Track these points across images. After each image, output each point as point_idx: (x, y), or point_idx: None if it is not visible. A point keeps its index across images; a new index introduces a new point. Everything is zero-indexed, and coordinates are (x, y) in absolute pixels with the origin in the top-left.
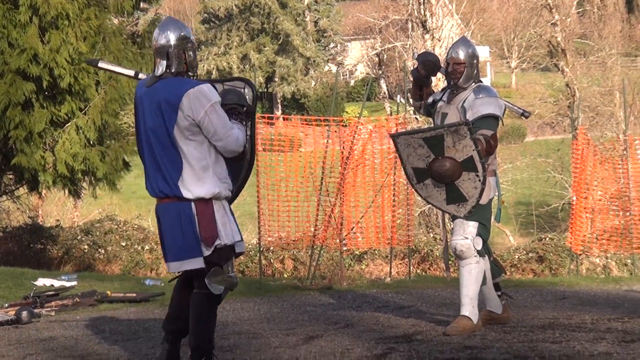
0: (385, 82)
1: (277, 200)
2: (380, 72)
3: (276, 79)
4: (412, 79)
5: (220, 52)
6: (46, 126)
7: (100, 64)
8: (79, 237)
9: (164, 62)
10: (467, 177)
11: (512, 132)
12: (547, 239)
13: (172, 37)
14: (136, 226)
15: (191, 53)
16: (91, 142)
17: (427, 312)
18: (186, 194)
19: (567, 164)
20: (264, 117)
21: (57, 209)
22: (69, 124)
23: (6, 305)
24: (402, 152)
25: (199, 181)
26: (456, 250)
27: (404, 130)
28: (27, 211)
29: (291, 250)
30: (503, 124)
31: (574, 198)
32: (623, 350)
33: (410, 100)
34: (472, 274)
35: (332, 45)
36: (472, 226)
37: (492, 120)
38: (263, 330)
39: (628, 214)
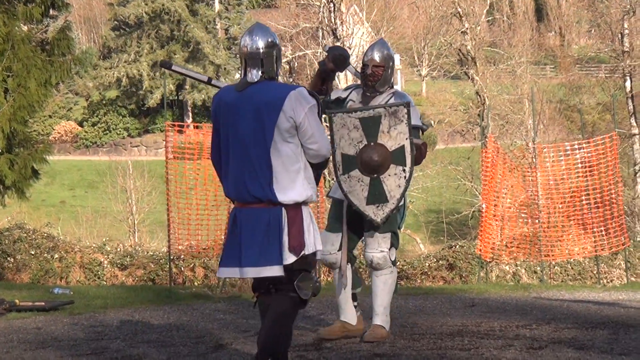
0: None
1: (187, 209)
2: (291, 79)
3: (187, 87)
4: (317, 70)
5: (130, 60)
6: None
7: (174, 68)
8: None
9: (258, 68)
10: (394, 172)
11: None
12: (458, 246)
13: (262, 44)
14: (45, 234)
15: (279, 58)
16: None
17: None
18: (281, 197)
19: (477, 171)
20: (174, 125)
21: None
22: None
23: None
24: (336, 134)
25: (293, 184)
26: (372, 263)
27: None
28: None
29: (202, 259)
30: (422, 134)
31: (484, 206)
32: (531, 357)
33: None
34: (387, 284)
35: None
36: (387, 238)
37: (415, 131)
38: (172, 338)
39: (537, 221)
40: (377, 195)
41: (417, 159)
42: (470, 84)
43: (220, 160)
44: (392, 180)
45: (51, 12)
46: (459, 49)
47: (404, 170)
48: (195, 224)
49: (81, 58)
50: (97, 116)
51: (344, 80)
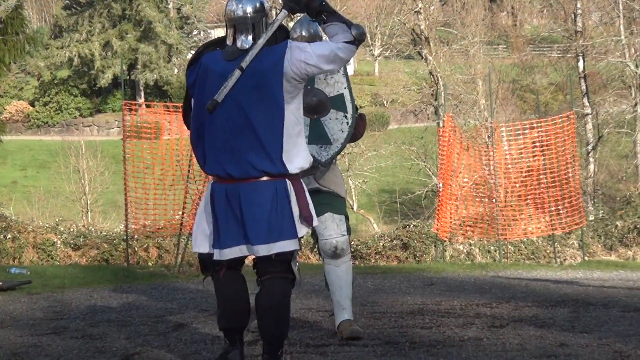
0: None
1: (142, 188)
2: None
3: (139, 66)
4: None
5: (82, 39)
6: None
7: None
8: None
9: (247, 34)
10: (335, 116)
11: (376, 120)
12: (412, 226)
13: (250, 8)
14: None
15: (268, 23)
16: None
17: (297, 298)
18: (290, 167)
19: (430, 151)
20: (127, 105)
21: None
22: None
23: None
24: None
25: (297, 149)
26: (336, 249)
27: None
28: None
29: (156, 239)
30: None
31: (441, 185)
32: (493, 335)
33: None
34: (349, 273)
35: (195, 32)
36: (343, 221)
37: None
38: (132, 318)
39: (493, 200)
40: (319, 135)
41: (361, 128)
42: (424, 64)
43: (203, 133)
44: (334, 124)
45: None
46: (412, 29)
47: (345, 117)
48: (150, 204)
49: (34, 37)
50: (48, 96)
51: None
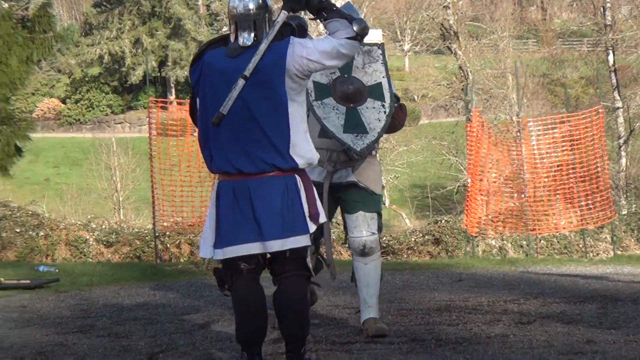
0: None
1: (171, 185)
2: None
3: (169, 63)
4: None
5: (112, 36)
6: None
7: None
8: None
9: (250, 31)
10: (372, 105)
11: (407, 115)
12: (443, 221)
13: (253, 5)
14: (30, 212)
15: (271, 20)
16: None
17: (325, 295)
18: (299, 161)
19: (461, 146)
20: (157, 102)
21: None
22: None
23: None
24: None
25: (305, 144)
26: (365, 248)
27: None
28: None
29: (187, 235)
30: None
31: (469, 180)
32: (519, 332)
33: None
34: (378, 271)
35: (225, 28)
36: (375, 219)
37: (394, 99)
38: (158, 315)
39: (523, 195)
40: (355, 124)
41: (401, 118)
42: (453, 58)
43: (209, 132)
44: (371, 113)
45: None
46: (441, 24)
47: (383, 106)
48: (180, 200)
49: (63, 35)
50: (79, 93)
51: None
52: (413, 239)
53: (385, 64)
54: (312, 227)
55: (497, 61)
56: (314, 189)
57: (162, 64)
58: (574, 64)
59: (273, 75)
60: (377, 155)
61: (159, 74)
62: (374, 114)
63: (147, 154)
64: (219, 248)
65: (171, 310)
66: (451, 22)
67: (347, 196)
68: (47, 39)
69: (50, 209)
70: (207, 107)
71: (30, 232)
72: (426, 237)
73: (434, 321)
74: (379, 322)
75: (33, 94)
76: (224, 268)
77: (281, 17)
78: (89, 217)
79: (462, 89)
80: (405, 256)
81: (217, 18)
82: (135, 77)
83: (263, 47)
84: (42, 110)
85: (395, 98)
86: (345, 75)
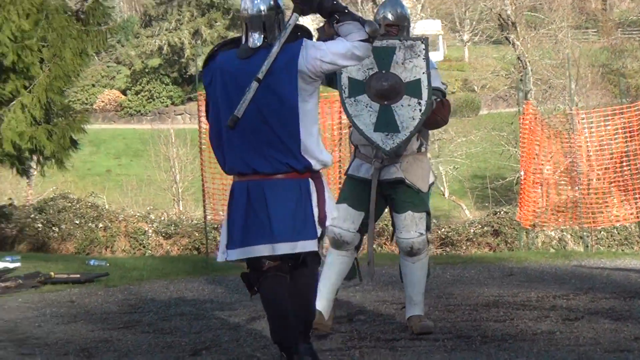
0: None
1: (222, 177)
2: None
3: None
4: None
5: (171, 28)
6: None
7: None
8: (33, 216)
9: (260, 32)
10: (408, 103)
11: (466, 105)
12: (502, 212)
13: (264, 6)
14: (90, 204)
15: (282, 22)
16: (37, 121)
17: (373, 290)
18: (312, 162)
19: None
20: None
21: (11, 187)
22: (14, 102)
23: None
24: None
25: (317, 147)
26: (413, 249)
27: None
28: None
29: None
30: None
31: (522, 172)
32: (566, 329)
33: None
34: (424, 269)
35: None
36: (423, 219)
37: (439, 93)
38: (205, 311)
39: (577, 188)
40: (386, 123)
41: (443, 114)
42: (512, 49)
43: (221, 134)
44: (406, 111)
45: None
46: (499, 14)
47: (419, 103)
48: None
49: (122, 26)
50: (140, 84)
51: None
52: (472, 231)
53: (427, 59)
54: (319, 231)
55: (556, 51)
56: (327, 192)
57: None
58: (633, 54)
59: (285, 76)
60: (428, 152)
61: None
62: (408, 112)
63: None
64: (231, 249)
65: (218, 305)
66: (509, 12)
67: (395, 195)
68: (101, 32)
69: (110, 201)
70: (219, 109)
71: (90, 224)
72: (485, 228)
73: (481, 317)
74: (424, 319)
75: (93, 85)
76: (250, 271)
77: (293, 19)
78: (148, 208)
79: (521, 79)
80: (464, 248)
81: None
82: (194, 68)
83: (275, 49)
84: (102, 101)
85: (440, 93)
86: (383, 71)
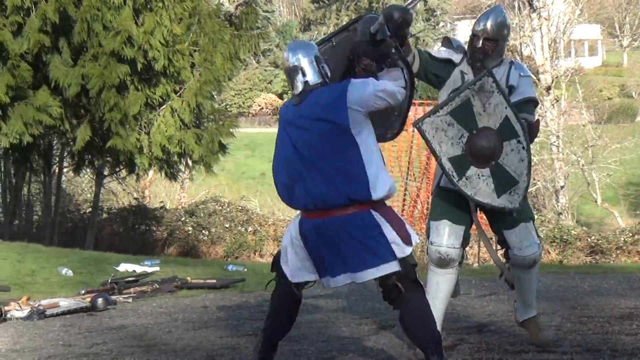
0: None
1: None
2: None
3: None
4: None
5: (329, 32)
6: (141, 109)
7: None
8: (183, 219)
9: (302, 77)
10: (510, 148)
11: (622, 112)
12: None
13: (303, 58)
14: (240, 208)
15: (324, 66)
16: (186, 125)
17: (506, 300)
18: (379, 194)
19: None
20: None
21: (165, 189)
22: (164, 106)
23: (82, 291)
24: (433, 142)
25: (380, 175)
26: (535, 262)
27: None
28: (134, 192)
29: None
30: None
31: None
32: None
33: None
34: (537, 274)
35: (441, 24)
36: (533, 226)
37: (532, 104)
38: (336, 319)
39: None
40: (504, 182)
41: (531, 134)
42: None
43: (284, 172)
44: (512, 158)
45: None
46: None
47: (519, 142)
48: None
49: (281, 30)
50: None
51: None
52: (622, 239)
53: (502, 92)
54: (407, 250)
55: None
56: (396, 214)
57: None
58: None
59: (336, 113)
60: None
61: None
62: (515, 157)
63: None
64: (323, 277)
65: (350, 313)
66: None
67: (500, 214)
68: (253, 36)
69: (262, 204)
70: (278, 153)
71: (239, 228)
72: (636, 237)
73: (613, 330)
74: (544, 329)
75: (250, 89)
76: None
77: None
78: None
79: None
80: (614, 256)
81: (434, 14)
82: None
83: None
84: (259, 105)
85: (532, 104)
86: (474, 132)
